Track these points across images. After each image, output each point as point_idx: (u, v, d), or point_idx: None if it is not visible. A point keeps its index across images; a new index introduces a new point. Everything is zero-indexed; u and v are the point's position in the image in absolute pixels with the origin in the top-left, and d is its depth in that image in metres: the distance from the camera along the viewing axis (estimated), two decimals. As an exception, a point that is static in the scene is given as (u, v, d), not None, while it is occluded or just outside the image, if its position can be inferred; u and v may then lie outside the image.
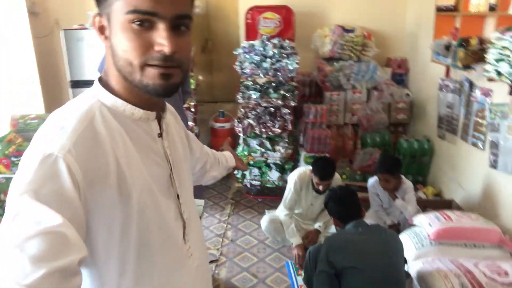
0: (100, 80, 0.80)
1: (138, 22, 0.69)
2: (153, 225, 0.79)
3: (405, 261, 2.31)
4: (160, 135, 0.83)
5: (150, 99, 0.79)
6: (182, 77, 0.76)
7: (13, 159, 1.42)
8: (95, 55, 3.26)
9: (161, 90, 0.72)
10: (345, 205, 2.10)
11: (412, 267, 2.38)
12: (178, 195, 0.87)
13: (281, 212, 3.15)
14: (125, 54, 0.71)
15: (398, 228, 3.02)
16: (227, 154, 1.44)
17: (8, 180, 1.40)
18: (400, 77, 4.14)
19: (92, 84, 0.80)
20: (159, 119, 0.84)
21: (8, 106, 3.09)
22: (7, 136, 1.40)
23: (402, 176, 3.05)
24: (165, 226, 0.82)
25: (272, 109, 3.68)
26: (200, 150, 1.20)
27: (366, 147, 3.91)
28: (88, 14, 3.66)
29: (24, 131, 1.52)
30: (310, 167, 3.04)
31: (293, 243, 2.99)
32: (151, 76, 0.71)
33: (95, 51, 3.38)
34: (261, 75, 3.54)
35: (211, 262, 2.96)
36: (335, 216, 2.18)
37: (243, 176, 3.82)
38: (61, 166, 0.65)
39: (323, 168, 2.91)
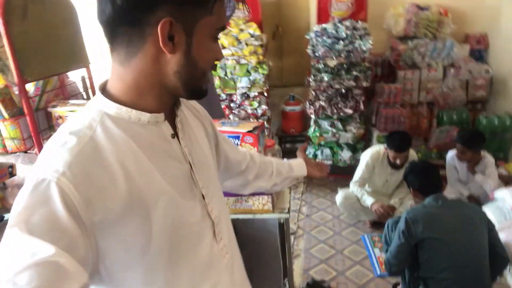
0: (103, 90, 0.75)
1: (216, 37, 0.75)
2: (178, 232, 0.75)
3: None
4: (174, 135, 0.79)
5: (162, 101, 0.75)
6: None
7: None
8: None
9: (206, 93, 0.79)
10: (426, 177, 2.10)
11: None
12: (203, 195, 0.82)
13: (353, 188, 3.22)
14: (205, 64, 0.74)
15: (477, 200, 2.96)
16: (296, 162, 1.35)
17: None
18: (479, 53, 3.99)
19: None
20: (172, 119, 0.80)
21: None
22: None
23: (484, 151, 2.98)
24: (191, 230, 0.78)
25: (343, 90, 3.75)
26: (237, 155, 1.12)
27: (442, 125, 3.85)
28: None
29: None
30: (384, 145, 3.09)
31: (369, 204, 3.03)
32: (206, 82, 0.77)
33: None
34: (334, 58, 3.61)
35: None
36: (414, 188, 2.16)
37: (315, 156, 3.93)
38: (53, 192, 0.60)
39: (398, 140, 2.93)
